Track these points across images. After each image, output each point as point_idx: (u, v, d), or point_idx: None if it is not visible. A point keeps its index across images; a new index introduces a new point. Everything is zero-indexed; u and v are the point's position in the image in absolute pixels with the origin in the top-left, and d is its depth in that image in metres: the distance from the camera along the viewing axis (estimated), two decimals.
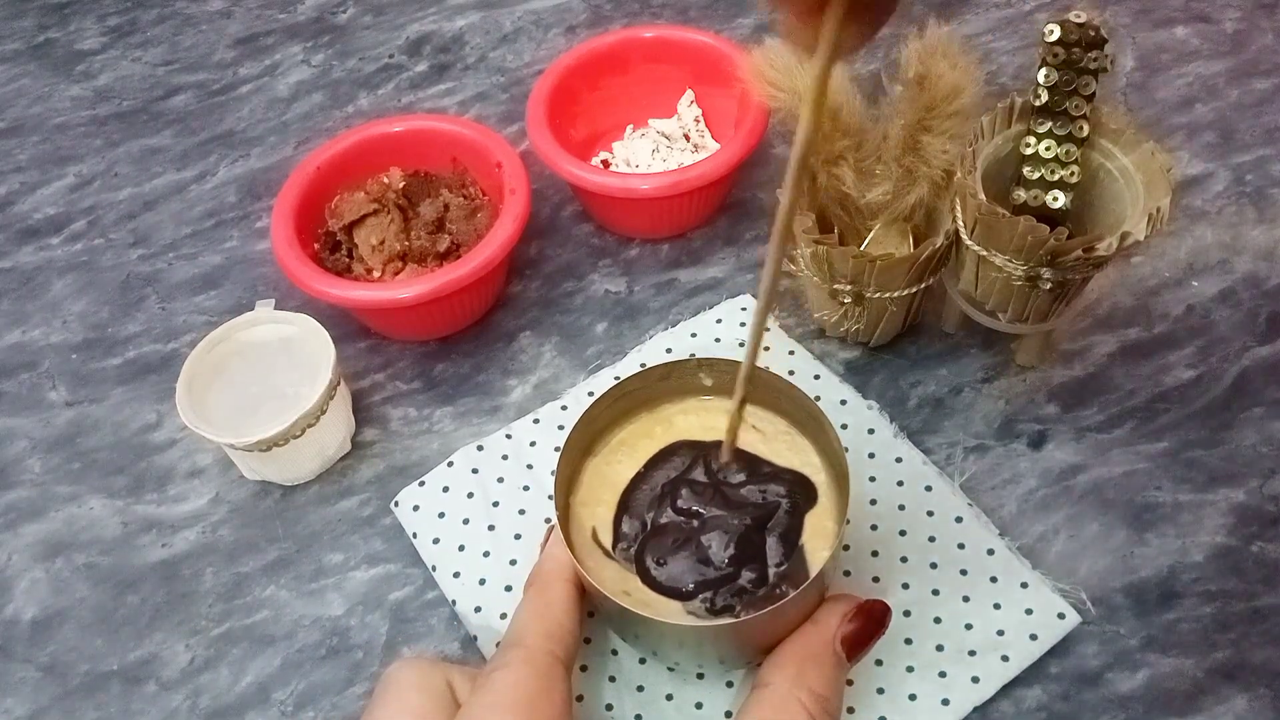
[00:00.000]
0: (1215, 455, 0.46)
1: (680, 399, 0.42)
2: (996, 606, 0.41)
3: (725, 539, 0.37)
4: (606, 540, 0.38)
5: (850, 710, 0.39)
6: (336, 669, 0.43)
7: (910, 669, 0.40)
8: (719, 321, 0.51)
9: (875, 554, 0.43)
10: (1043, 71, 0.42)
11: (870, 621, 0.37)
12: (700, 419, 0.41)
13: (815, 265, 0.46)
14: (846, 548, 0.43)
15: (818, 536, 0.37)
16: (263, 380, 0.47)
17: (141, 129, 0.66)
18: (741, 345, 0.50)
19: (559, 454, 0.38)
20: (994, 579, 0.42)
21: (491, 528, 0.45)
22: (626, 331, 0.53)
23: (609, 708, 0.40)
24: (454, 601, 0.44)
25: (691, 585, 0.37)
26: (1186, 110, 0.59)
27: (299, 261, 0.49)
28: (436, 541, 0.45)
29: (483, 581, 0.44)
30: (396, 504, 0.47)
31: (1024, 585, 0.42)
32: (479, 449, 0.47)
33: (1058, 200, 0.43)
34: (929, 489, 0.45)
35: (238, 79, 0.68)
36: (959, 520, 0.44)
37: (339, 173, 0.54)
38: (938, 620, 0.41)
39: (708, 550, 0.37)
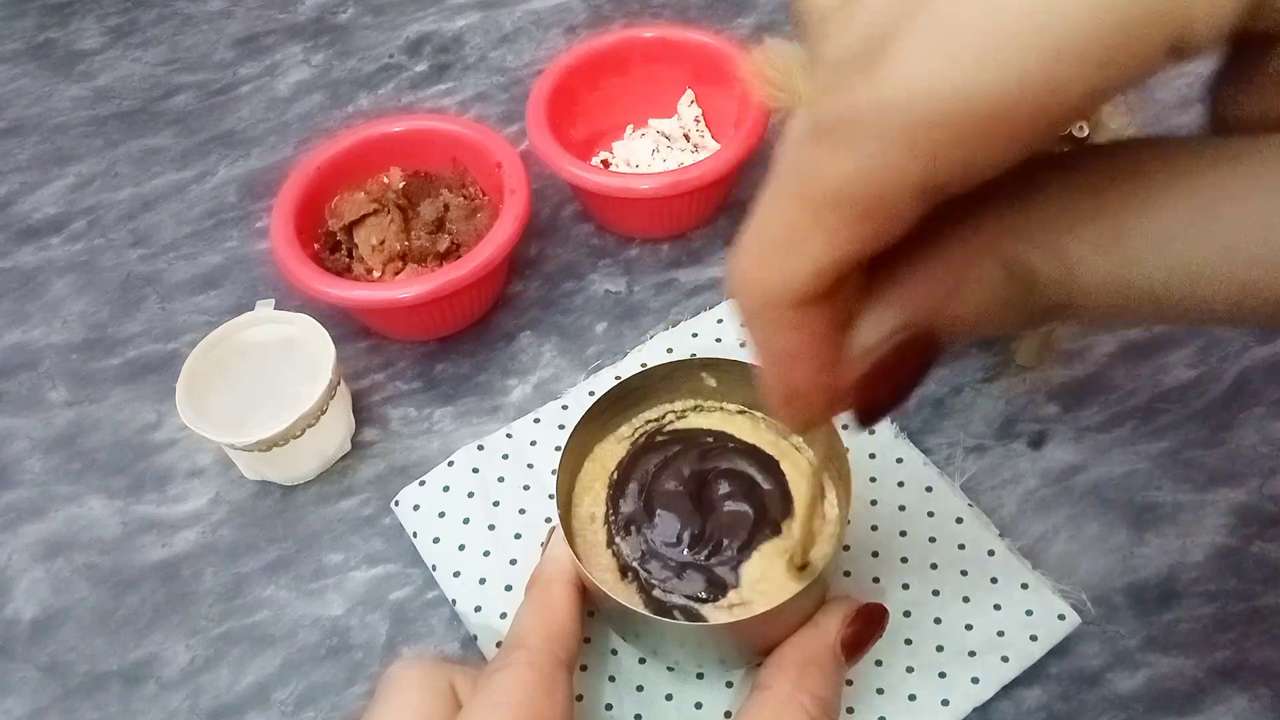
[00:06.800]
0: (1215, 455, 0.46)
1: (682, 399, 0.42)
2: (997, 607, 0.41)
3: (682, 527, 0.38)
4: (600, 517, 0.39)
5: (850, 710, 0.39)
6: (336, 669, 0.43)
7: (910, 669, 0.40)
8: (720, 321, 0.51)
9: (875, 554, 0.43)
10: None
11: (869, 624, 0.37)
12: (702, 418, 0.41)
13: None
14: (847, 548, 0.43)
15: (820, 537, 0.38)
16: (263, 380, 0.47)
17: (141, 129, 0.66)
18: (743, 345, 0.50)
19: (560, 453, 0.38)
20: (994, 580, 0.42)
21: (492, 527, 0.45)
22: (626, 331, 0.53)
23: (609, 707, 0.40)
24: (454, 601, 0.44)
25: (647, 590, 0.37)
26: (1186, 110, 0.59)
27: (299, 261, 0.49)
28: (436, 541, 0.45)
29: (483, 581, 0.44)
30: (397, 503, 0.47)
31: (1024, 586, 0.42)
32: (479, 448, 0.47)
33: None
34: (929, 489, 0.45)
35: (238, 79, 0.68)
36: (959, 521, 0.44)
37: (339, 173, 0.54)
38: (938, 621, 0.41)
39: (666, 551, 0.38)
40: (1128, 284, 0.17)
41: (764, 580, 0.37)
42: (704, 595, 0.37)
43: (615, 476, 0.40)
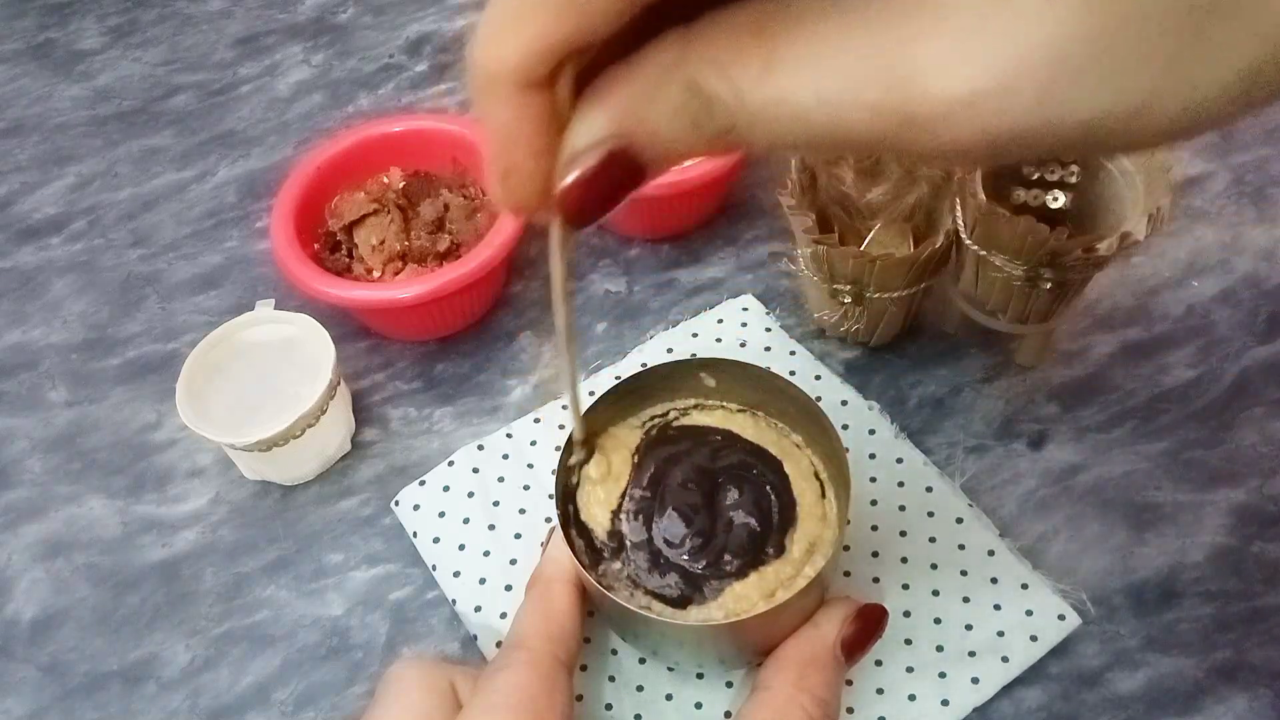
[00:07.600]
0: (1215, 455, 0.46)
1: (682, 398, 0.42)
2: (997, 607, 0.41)
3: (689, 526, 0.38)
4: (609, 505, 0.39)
5: (850, 710, 0.39)
6: (336, 669, 0.43)
7: (910, 669, 0.40)
8: (720, 322, 0.51)
9: (876, 555, 0.43)
10: None
11: (869, 625, 0.37)
12: (705, 416, 0.41)
13: (815, 265, 0.46)
14: (847, 548, 0.43)
15: (818, 537, 0.37)
16: (263, 380, 0.47)
17: (141, 129, 0.66)
18: (744, 345, 0.50)
19: (560, 453, 0.38)
20: (994, 580, 0.42)
21: (492, 527, 0.45)
22: (626, 331, 0.53)
23: (609, 707, 0.40)
24: (454, 601, 0.44)
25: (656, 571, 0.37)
26: None
27: (299, 261, 0.49)
28: (436, 541, 0.45)
29: (483, 581, 0.44)
30: (397, 503, 0.47)
31: (1024, 586, 0.42)
32: (479, 448, 0.47)
33: (1058, 200, 0.43)
34: (930, 490, 0.45)
35: (238, 79, 0.68)
36: (959, 521, 0.44)
37: (339, 173, 0.54)
38: (938, 621, 0.41)
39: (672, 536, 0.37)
40: (783, 108, 0.19)
41: (741, 601, 0.36)
42: (673, 597, 0.36)
43: (636, 459, 0.39)
